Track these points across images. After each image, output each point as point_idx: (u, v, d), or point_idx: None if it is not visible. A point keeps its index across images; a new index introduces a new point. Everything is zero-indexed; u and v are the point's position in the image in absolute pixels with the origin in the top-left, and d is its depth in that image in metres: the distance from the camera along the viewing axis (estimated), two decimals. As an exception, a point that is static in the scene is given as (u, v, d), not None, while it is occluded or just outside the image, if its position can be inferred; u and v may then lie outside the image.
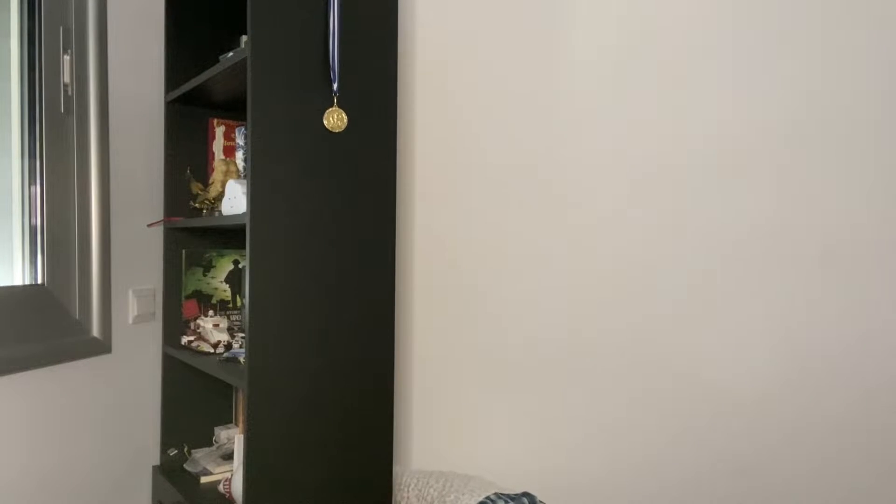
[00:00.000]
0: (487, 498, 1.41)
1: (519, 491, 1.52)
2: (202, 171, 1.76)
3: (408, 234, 1.85)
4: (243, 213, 1.32)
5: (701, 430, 1.48)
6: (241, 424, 1.79)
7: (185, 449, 1.73)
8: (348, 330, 1.42)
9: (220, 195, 1.60)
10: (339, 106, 1.39)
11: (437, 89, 1.80)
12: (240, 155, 1.70)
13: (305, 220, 1.35)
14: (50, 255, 1.48)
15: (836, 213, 1.34)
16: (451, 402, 1.79)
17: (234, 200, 1.43)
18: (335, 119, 1.38)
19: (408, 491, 1.61)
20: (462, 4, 1.76)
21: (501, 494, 1.42)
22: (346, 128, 1.41)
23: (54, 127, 1.49)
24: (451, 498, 1.45)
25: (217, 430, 1.79)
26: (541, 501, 1.44)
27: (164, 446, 1.72)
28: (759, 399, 1.42)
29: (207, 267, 1.73)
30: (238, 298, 1.77)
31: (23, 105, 1.48)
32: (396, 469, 1.73)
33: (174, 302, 1.71)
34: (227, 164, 1.62)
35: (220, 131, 1.79)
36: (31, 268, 1.48)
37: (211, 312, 1.73)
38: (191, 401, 1.76)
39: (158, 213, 1.73)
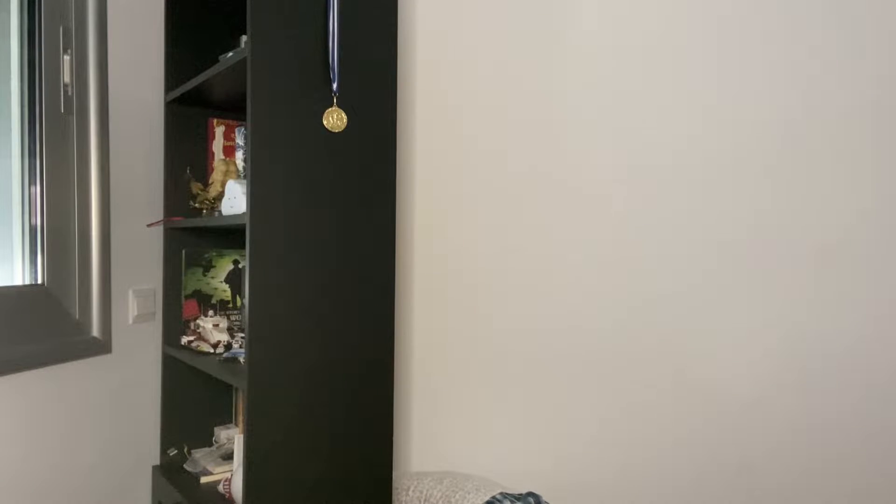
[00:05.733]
0: (494, 498, 1.42)
1: (524, 491, 1.52)
2: (202, 171, 1.76)
3: (408, 233, 1.85)
4: (243, 213, 1.32)
5: (702, 428, 1.48)
6: (241, 424, 1.78)
7: (185, 449, 1.73)
8: (348, 329, 1.42)
9: (220, 195, 1.60)
10: (339, 106, 1.39)
11: (438, 89, 1.80)
12: (240, 155, 1.70)
13: (305, 220, 1.35)
14: (50, 255, 1.48)
15: (834, 211, 1.34)
16: (451, 401, 1.79)
17: (234, 200, 1.43)
18: (335, 119, 1.38)
19: (408, 494, 1.61)
20: (462, 4, 1.76)
21: (507, 494, 1.42)
22: (346, 128, 1.41)
23: (54, 127, 1.49)
24: (457, 497, 1.45)
25: (217, 430, 1.79)
26: (545, 501, 1.44)
27: (164, 446, 1.71)
28: (760, 397, 1.42)
29: (207, 267, 1.73)
30: (238, 298, 1.77)
31: (23, 105, 1.48)
32: (396, 473, 1.73)
33: (174, 302, 1.71)
34: (227, 164, 1.62)
35: (219, 131, 1.79)
36: (31, 268, 1.48)
37: (211, 312, 1.73)
38: (191, 401, 1.76)
39: (158, 213, 1.73)
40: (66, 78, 1.50)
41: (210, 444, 1.79)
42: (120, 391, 1.62)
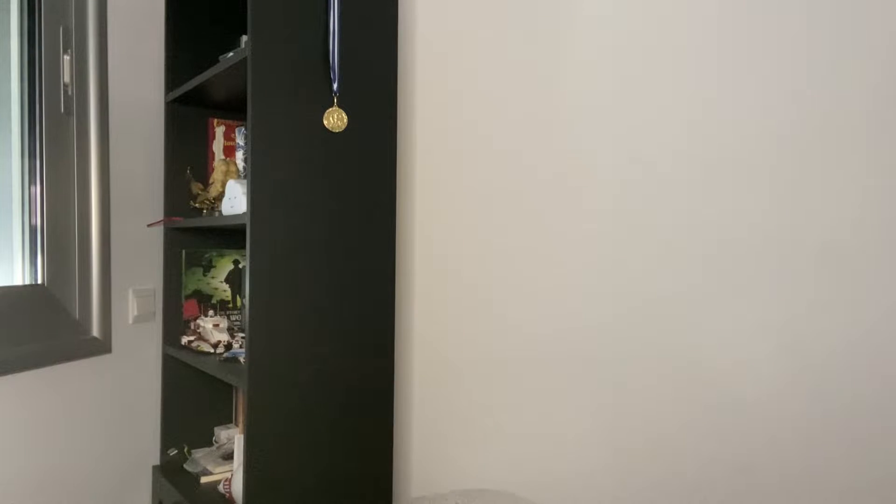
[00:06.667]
0: None
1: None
2: (202, 171, 1.76)
3: (408, 233, 1.85)
4: (243, 213, 1.32)
5: (702, 430, 1.48)
6: (241, 424, 1.78)
7: (185, 449, 1.73)
8: (348, 329, 1.42)
9: (220, 195, 1.60)
10: (339, 106, 1.39)
11: (438, 89, 1.80)
12: (240, 155, 1.70)
13: (305, 220, 1.35)
14: (50, 255, 1.48)
15: (836, 210, 1.34)
16: (452, 402, 1.79)
17: (234, 200, 1.43)
18: (335, 119, 1.38)
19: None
20: (462, 4, 1.76)
21: None
22: (346, 128, 1.41)
23: (54, 127, 1.49)
24: None
25: (217, 430, 1.79)
26: None
27: (164, 446, 1.71)
28: (760, 398, 1.42)
29: (207, 267, 1.73)
30: (238, 298, 1.77)
31: (23, 105, 1.48)
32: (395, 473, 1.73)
33: (174, 302, 1.71)
34: (227, 164, 1.62)
35: (220, 131, 1.79)
36: (31, 268, 1.48)
37: (211, 312, 1.73)
38: (191, 401, 1.76)
39: (158, 213, 1.73)
40: (66, 78, 1.50)
41: (210, 444, 1.79)
42: (120, 391, 1.62)
